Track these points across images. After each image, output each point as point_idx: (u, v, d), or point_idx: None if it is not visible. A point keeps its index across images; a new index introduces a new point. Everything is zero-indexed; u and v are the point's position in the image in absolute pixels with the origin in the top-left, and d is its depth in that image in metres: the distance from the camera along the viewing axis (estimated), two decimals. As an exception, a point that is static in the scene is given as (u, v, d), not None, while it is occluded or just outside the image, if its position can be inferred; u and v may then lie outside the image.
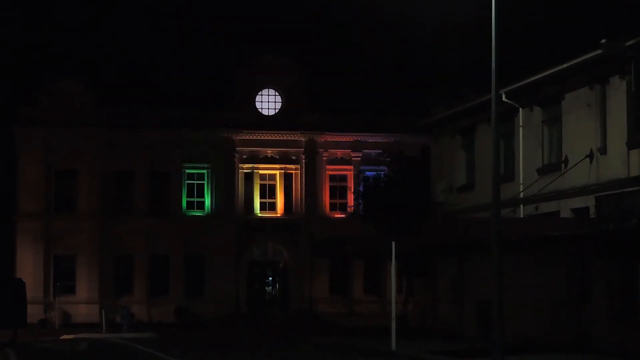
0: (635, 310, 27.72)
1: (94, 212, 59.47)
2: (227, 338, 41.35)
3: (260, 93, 62.66)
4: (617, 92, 29.10)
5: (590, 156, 30.35)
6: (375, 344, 33.59)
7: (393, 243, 31.78)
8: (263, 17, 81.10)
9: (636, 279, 27.71)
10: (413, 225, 39.08)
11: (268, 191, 62.11)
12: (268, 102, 62.73)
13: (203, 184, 61.26)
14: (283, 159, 61.93)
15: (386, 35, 77.60)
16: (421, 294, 45.16)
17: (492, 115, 24.29)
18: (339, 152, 62.43)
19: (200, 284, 60.47)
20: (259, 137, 61.56)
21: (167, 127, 60.40)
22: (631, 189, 27.35)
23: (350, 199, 57.32)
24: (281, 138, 61.80)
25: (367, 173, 57.46)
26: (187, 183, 61.11)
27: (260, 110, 62.53)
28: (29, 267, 58.02)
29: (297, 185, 61.98)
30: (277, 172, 61.95)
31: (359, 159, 61.93)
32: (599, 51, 29.05)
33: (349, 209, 56.28)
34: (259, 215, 61.69)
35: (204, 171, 61.27)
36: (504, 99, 34.01)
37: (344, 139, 62.26)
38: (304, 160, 61.89)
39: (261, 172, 61.94)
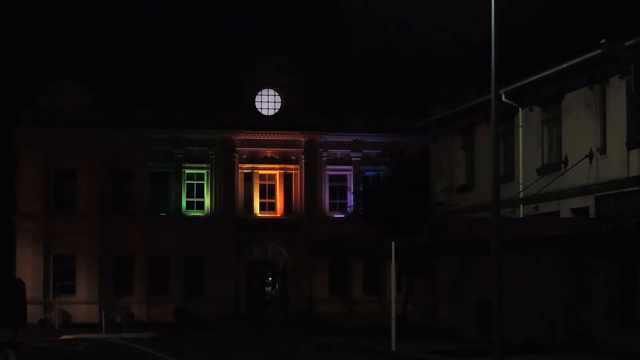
0: (635, 310, 27.71)
1: (94, 212, 59.47)
2: (226, 338, 41.36)
3: (260, 93, 62.67)
4: (617, 92, 29.09)
5: (590, 156, 30.34)
6: (375, 344, 33.58)
7: (393, 243, 31.76)
8: (263, 17, 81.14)
9: (636, 279, 27.70)
10: (413, 225, 39.00)
11: (268, 191, 62.11)
12: (268, 102, 62.73)
13: (203, 184, 61.27)
14: (283, 159, 61.93)
15: (386, 35, 77.61)
16: (421, 294, 45.12)
17: (491, 115, 24.28)
18: (339, 152, 62.42)
19: (199, 284, 60.48)
20: (258, 137, 61.56)
21: (167, 127, 60.42)
22: (631, 189, 27.35)
23: (350, 199, 57.33)
24: (281, 138, 61.80)
25: (367, 173, 57.45)
26: (187, 183, 61.12)
27: (260, 110, 62.53)
28: (28, 267, 58.03)
29: (297, 186, 61.98)
30: (277, 172, 61.95)
31: (359, 159, 61.92)
32: (599, 51, 29.03)
33: (348, 209, 56.26)
34: (259, 215, 61.68)
35: (204, 171, 61.29)
36: (503, 99, 33.99)
37: (344, 139, 62.26)
38: (303, 161, 61.89)
39: (261, 172, 61.94)
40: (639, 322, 27.42)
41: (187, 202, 60.95)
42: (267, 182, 62.15)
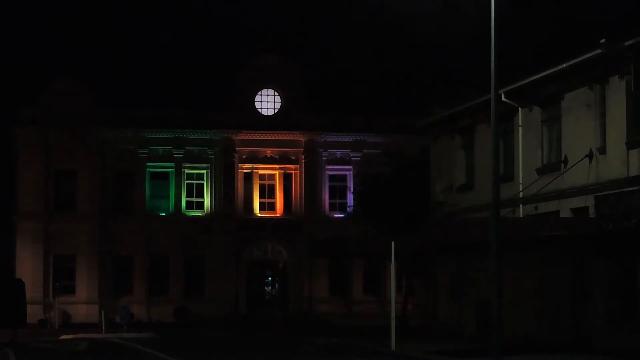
0: (635, 310, 27.71)
1: (94, 212, 59.48)
2: (226, 338, 41.35)
3: (259, 93, 62.67)
4: (617, 92, 29.08)
5: (590, 156, 30.34)
6: (375, 344, 33.58)
7: (392, 243, 31.76)
8: (263, 17, 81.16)
9: (636, 279, 27.70)
10: (412, 225, 39.01)
11: (267, 191, 62.11)
12: (268, 102, 62.73)
13: (203, 184, 61.27)
14: (282, 159, 61.94)
15: (386, 35, 77.64)
16: (421, 294, 45.14)
17: (491, 115, 24.29)
18: (339, 152, 62.42)
19: (199, 284, 60.49)
20: (258, 137, 61.57)
21: (167, 127, 60.44)
22: (630, 188, 27.33)
23: (350, 199, 57.32)
24: (281, 138, 61.80)
25: (367, 173, 57.41)
26: (187, 183, 61.13)
27: (260, 110, 62.53)
28: (28, 267, 58.03)
29: (297, 185, 61.99)
30: (277, 172, 61.96)
31: (359, 159, 61.92)
32: (599, 51, 29.02)
33: (348, 209, 56.24)
34: (259, 215, 61.69)
35: (204, 171, 61.29)
36: (503, 98, 33.98)
37: (344, 139, 62.26)
38: (303, 160, 61.90)
39: (261, 172, 61.95)
40: (639, 322, 27.42)
41: (187, 202, 60.96)
42: (267, 182, 62.16)
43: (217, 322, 55.49)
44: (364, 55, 74.76)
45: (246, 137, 61.49)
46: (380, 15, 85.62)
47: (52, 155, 59.40)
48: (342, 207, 60.13)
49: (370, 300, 60.95)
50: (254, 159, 61.82)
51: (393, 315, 31.66)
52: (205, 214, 60.98)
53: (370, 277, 61.51)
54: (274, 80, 62.44)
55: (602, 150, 29.81)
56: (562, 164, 31.94)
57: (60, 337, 42.93)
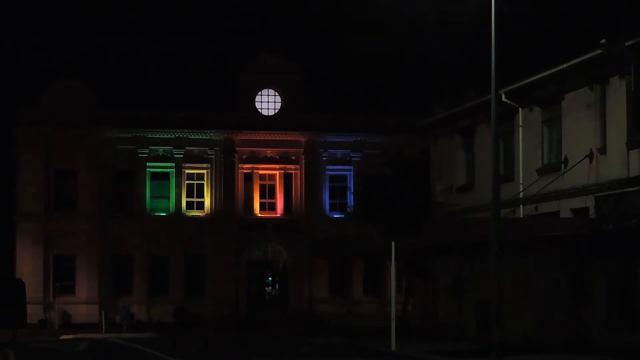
0: (635, 310, 27.72)
1: (94, 212, 59.47)
2: (226, 338, 41.36)
3: (260, 93, 62.64)
4: (617, 92, 29.08)
5: (590, 156, 30.34)
6: (375, 344, 33.59)
7: (392, 243, 31.79)
8: (263, 17, 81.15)
9: (636, 279, 27.72)
10: (412, 225, 39.02)
11: (268, 191, 62.10)
12: (268, 102, 62.71)
13: (203, 184, 61.26)
14: (283, 159, 61.92)
15: (386, 35, 77.64)
16: (421, 294, 45.15)
17: (491, 116, 24.30)
18: (339, 152, 62.40)
19: (199, 284, 60.47)
20: (258, 137, 61.55)
21: (167, 127, 60.44)
22: (631, 189, 27.34)
23: (350, 199, 57.31)
24: (281, 138, 61.78)
25: (367, 173, 57.36)
26: (187, 183, 61.12)
27: (260, 110, 62.51)
28: (28, 267, 58.03)
29: (297, 186, 61.98)
30: (277, 172, 61.94)
31: (359, 159, 61.91)
32: (599, 51, 29.03)
33: (348, 209, 56.22)
34: (259, 215, 61.67)
35: (204, 171, 61.28)
36: (503, 99, 33.98)
37: (344, 139, 62.23)
38: (303, 161, 61.89)
39: (261, 172, 61.93)
40: (639, 322, 27.43)
41: (187, 202, 60.94)
42: (267, 182, 62.14)
43: (217, 322, 55.48)
44: (364, 55, 74.72)
45: (246, 137, 61.47)
46: (381, 15, 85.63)
47: (52, 155, 59.40)
48: (342, 207, 60.09)
49: (370, 300, 60.93)
50: (254, 159, 61.81)
51: (393, 315, 31.68)
52: (206, 214, 60.97)
53: (370, 277, 61.49)
54: (274, 81, 62.43)
55: (602, 150, 29.81)
56: (563, 165, 31.94)
57: (61, 337, 42.95)
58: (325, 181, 62.24)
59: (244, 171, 61.68)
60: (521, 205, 34.14)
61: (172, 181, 60.69)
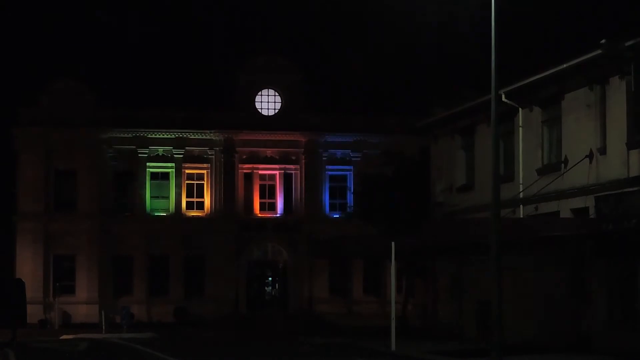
0: (635, 310, 27.73)
1: (94, 212, 59.46)
2: (226, 338, 41.36)
3: (260, 93, 62.63)
4: (617, 92, 29.09)
5: (590, 156, 30.34)
6: (375, 344, 33.59)
7: (393, 243, 31.78)
8: (263, 17, 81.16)
9: (636, 279, 27.72)
10: (413, 225, 39.04)
11: (268, 191, 62.09)
12: (268, 103, 62.70)
13: (203, 184, 61.25)
14: (283, 159, 61.91)
15: (386, 35, 77.64)
16: (421, 294, 45.16)
17: (491, 116, 24.31)
18: (339, 152, 62.39)
19: (199, 284, 60.45)
20: (258, 137, 61.54)
21: (167, 127, 60.43)
22: (631, 189, 27.35)
23: (350, 199, 57.33)
24: (281, 138, 61.77)
25: (367, 173, 57.36)
26: (187, 183, 61.11)
27: (260, 110, 62.50)
28: (28, 267, 58.02)
29: (297, 186, 61.96)
30: (277, 172, 61.93)
31: (359, 159, 61.89)
32: (599, 51, 29.03)
33: (348, 209, 56.23)
34: (259, 215, 61.66)
35: (204, 171, 61.27)
36: (503, 99, 33.99)
37: (344, 139, 62.21)
38: (303, 161, 61.87)
39: (261, 172, 61.92)
40: (639, 322, 27.43)
41: (187, 202, 60.94)
42: (267, 182, 62.13)
43: (217, 322, 55.48)
44: (364, 55, 74.73)
45: (246, 137, 61.46)
46: (381, 15, 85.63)
47: (52, 155, 59.39)
48: (342, 208, 60.10)
49: (370, 300, 60.93)
50: (254, 159, 61.80)
51: (393, 315, 31.67)
52: (206, 214, 60.96)
53: (370, 277, 61.48)
54: (274, 81, 62.41)
55: (602, 150, 29.81)
56: (563, 165, 31.94)
57: (61, 337, 42.96)
58: (325, 181, 62.22)
59: (244, 171, 61.67)
60: (521, 205, 34.14)
61: (172, 181, 60.69)
